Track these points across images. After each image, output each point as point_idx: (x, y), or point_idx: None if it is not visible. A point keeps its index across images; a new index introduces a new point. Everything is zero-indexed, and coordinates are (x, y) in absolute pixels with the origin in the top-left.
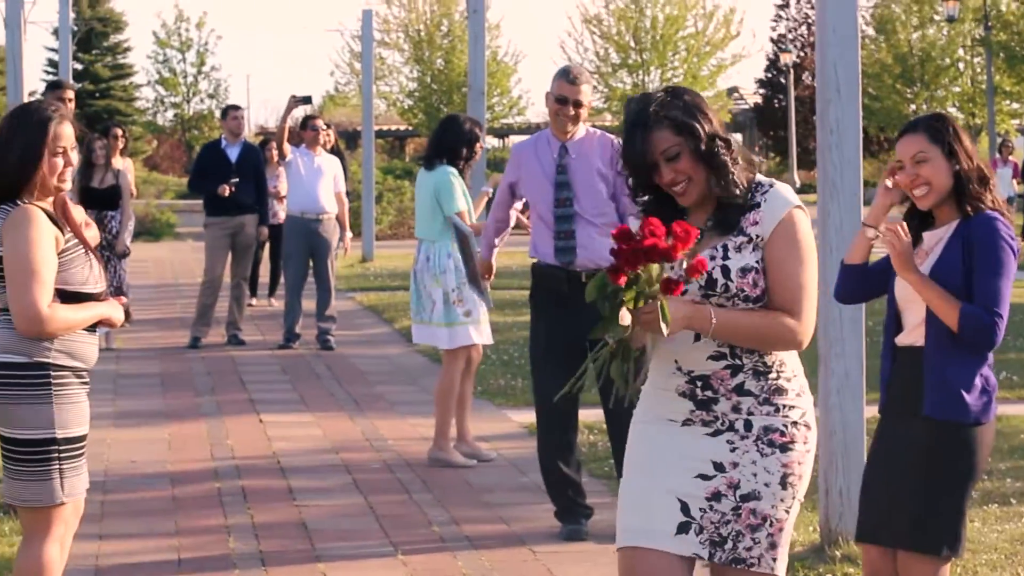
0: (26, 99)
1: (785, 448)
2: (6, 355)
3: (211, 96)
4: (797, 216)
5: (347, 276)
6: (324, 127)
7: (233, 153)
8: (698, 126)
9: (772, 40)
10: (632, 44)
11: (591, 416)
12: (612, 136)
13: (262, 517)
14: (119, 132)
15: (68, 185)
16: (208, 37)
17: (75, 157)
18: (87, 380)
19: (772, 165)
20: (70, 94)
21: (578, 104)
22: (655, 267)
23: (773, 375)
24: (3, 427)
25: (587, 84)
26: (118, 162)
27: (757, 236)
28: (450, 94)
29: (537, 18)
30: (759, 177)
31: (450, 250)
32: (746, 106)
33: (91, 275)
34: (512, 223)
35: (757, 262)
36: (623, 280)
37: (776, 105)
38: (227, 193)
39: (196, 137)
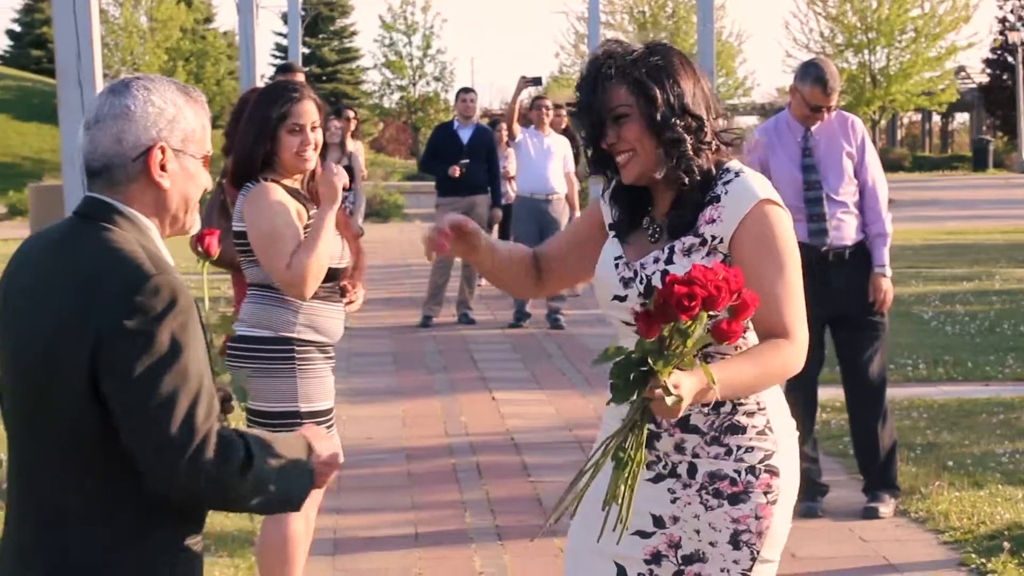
0: (258, 82)
1: (736, 500)
2: (252, 329)
3: (437, 79)
4: (768, 212)
5: None
6: (550, 107)
7: (465, 135)
8: (658, 91)
9: (999, 19)
10: (857, 24)
11: (824, 394)
12: (850, 115)
13: (497, 492)
14: (351, 114)
15: (312, 163)
16: (433, 20)
17: (319, 136)
18: (332, 355)
19: (1000, 144)
20: (300, 77)
21: (829, 109)
22: (703, 318)
23: (727, 408)
24: (249, 399)
25: (839, 86)
26: (350, 144)
27: (713, 237)
28: None
29: None
30: (732, 163)
31: None
32: (972, 85)
33: (338, 250)
34: None
35: None
36: (653, 333)
37: (1004, 84)
38: (457, 174)
39: (422, 119)
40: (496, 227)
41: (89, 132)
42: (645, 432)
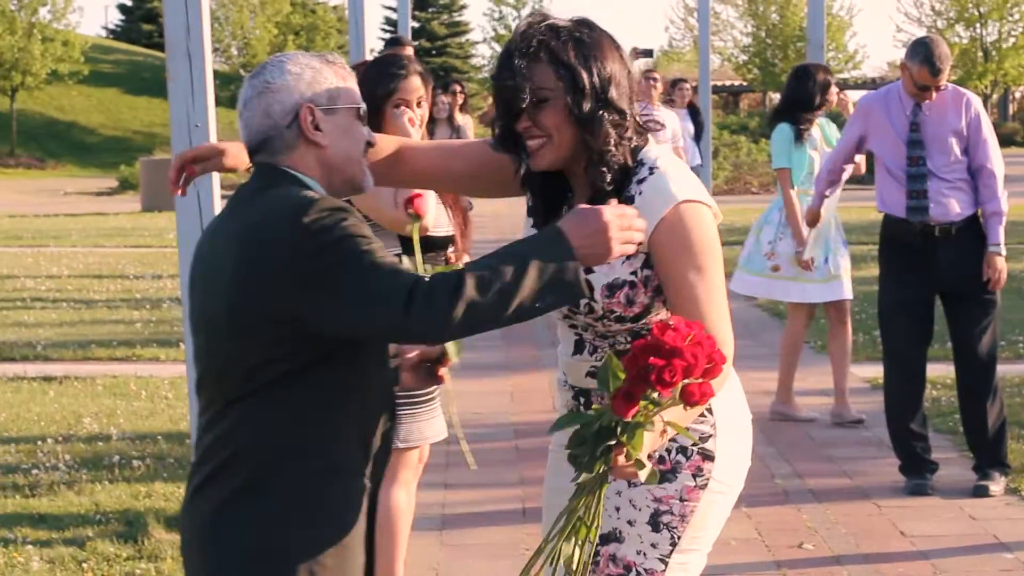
0: (367, 56)
1: (662, 478)
2: None
3: None
4: (686, 214)
5: None
6: (659, 80)
7: None
8: (585, 76)
9: None
10: None
11: (934, 370)
12: (966, 92)
13: None
14: (458, 88)
15: (416, 138)
16: None
17: (424, 111)
18: None
19: None
20: (409, 51)
21: (938, 89)
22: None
23: None
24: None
25: (949, 67)
26: (458, 118)
27: None
28: (785, 49)
29: None
30: (646, 151)
31: (781, 204)
32: None
33: (441, 218)
34: (847, 175)
35: (633, 274)
36: (632, 413)
37: None
38: None
39: None
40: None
41: (241, 119)
42: (603, 494)
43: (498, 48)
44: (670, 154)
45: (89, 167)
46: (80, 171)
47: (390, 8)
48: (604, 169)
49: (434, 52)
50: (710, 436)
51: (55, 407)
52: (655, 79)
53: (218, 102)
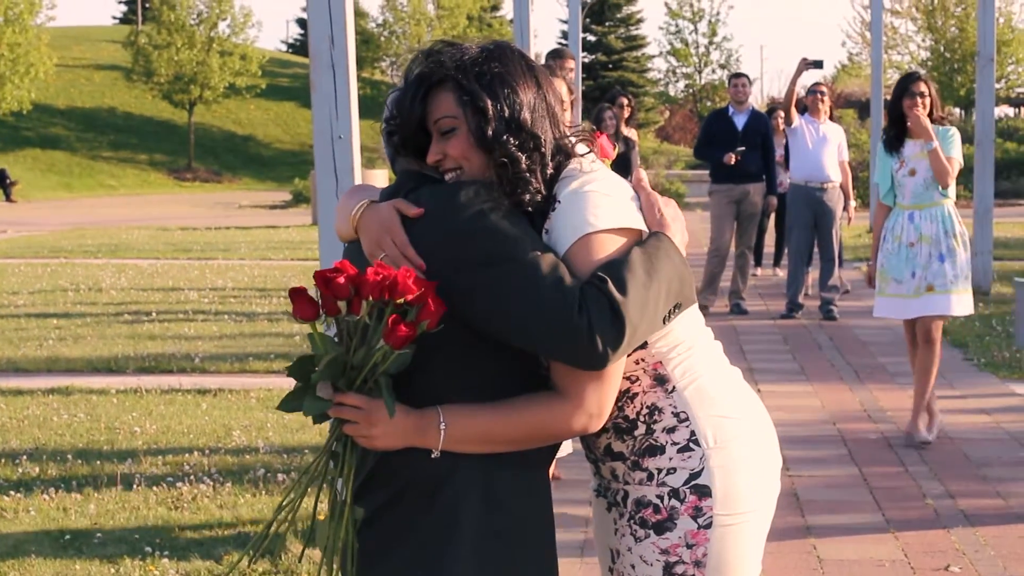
0: None
1: (661, 528)
2: None
3: (723, 67)
4: (588, 248)
5: (853, 246)
6: (826, 94)
7: (740, 121)
8: (490, 103)
9: None
10: None
11: None
12: None
13: None
14: (624, 101)
15: None
16: (720, 7)
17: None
18: None
19: None
20: (571, 63)
21: None
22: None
23: (640, 430)
24: None
25: None
26: (624, 130)
27: None
28: (964, 63)
29: None
30: (567, 174)
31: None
32: None
33: None
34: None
35: None
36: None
37: None
38: (732, 161)
39: (707, 108)
40: (772, 215)
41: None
42: (351, 466)
43: (674, 61)
44: (600, 174)
45: (266, 180)
46: (257, 184)
47: (565, 22)
48: (524, 198)
49: (610, 66)
50: (701, 470)
51: (206, 420)
52: (822, 92)
53: None
